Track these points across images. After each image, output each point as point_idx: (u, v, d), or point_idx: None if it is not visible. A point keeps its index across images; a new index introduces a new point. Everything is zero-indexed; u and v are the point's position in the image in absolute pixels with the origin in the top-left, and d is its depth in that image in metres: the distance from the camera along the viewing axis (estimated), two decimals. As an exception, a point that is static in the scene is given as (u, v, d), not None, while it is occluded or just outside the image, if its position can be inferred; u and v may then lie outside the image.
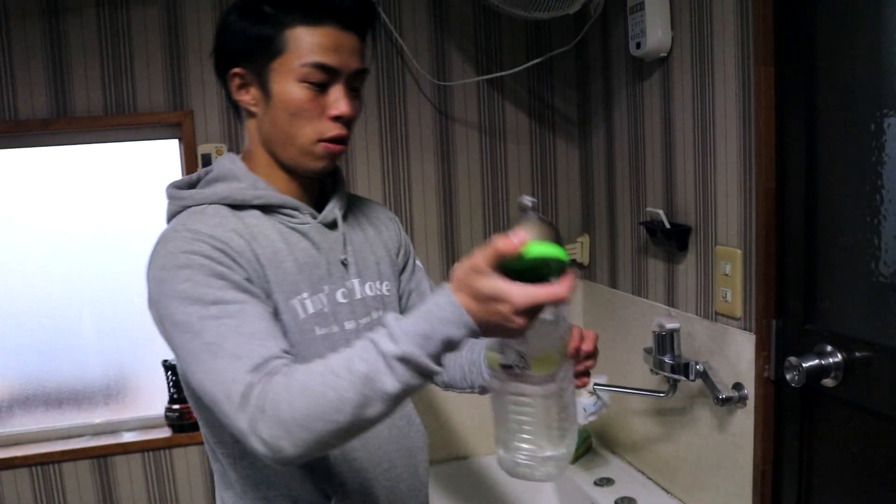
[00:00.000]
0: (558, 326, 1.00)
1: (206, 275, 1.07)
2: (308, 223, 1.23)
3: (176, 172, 2.18)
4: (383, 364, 0.93)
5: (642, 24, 1.84)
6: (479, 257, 0.91)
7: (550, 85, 2.37)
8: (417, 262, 1.45)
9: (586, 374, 1.15)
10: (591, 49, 2.27)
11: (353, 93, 1.21)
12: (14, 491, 2.20)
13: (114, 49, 2.09)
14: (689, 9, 1.75)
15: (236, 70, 1.21)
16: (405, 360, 0.92)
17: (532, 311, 0.90)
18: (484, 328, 0.92)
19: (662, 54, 1.86)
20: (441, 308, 0.92)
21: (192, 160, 2.11)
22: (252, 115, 1.23)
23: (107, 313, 2.28)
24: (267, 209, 1.21)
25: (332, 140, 1.19)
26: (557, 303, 0.92)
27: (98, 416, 2.32)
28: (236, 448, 1.22)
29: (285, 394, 0.95)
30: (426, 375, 0.94)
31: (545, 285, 0.90)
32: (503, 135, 2.35)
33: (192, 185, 1.27)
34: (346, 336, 1.22)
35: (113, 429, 2.32)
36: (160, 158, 2.23)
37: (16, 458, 2.19)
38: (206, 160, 2.08)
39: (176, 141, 2.21)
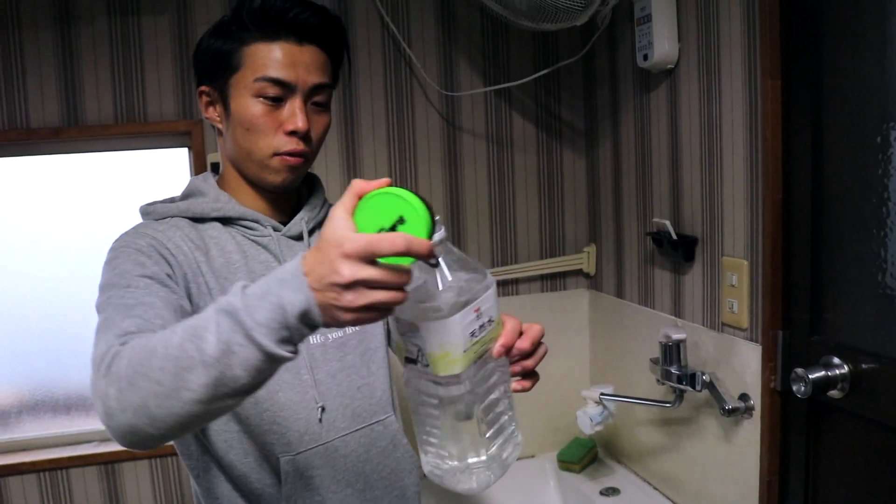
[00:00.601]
0: (463, 320, 0.87)
1: (130, 263, 1.09)
2: (268, 235, 1.23)
3: (185, 181, 2.19)
4: (213, 319, 0.82)
5: (649, 36, 1.85)
6: (338, 204, 0.81)
7: (557, 95, 2.38)
8: None
9: (527, 375, 1.02)
10: (598, 60, 2.28)
11: (316, 108, 1.21)
12: (22, 496, 2.21)
13: (125, 58, 2.11)
14: (696, 21, 1.77)
15: (203, 88, 1.24)
16: (230, 314, 0.81)
17: (365, 262, 0.76)
18: (316, 284, 0.79)
19: (669, 66, 1.87)
20: (285, 269, 0.82)
21: (202, 169, 2.12)
22: (220, 132, 1.25)
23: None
24: (226, 222, 1.23)
25: (288, 154, 1.18)
26: (404, 254, 0.76)
27: (105, 423, 2.33)
28: (200, 461, 1.23)
29: (129, 350, 0.89)
30: (255, 345, 0.80)
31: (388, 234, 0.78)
32: (510, 145, 2.37)
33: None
34: (310, 350, 1.21)
35: (120, 435, 2.32)
36: (170, 167, 2.25)
37: (24, 463, 2.20)
38: (216, 169, 2.10)
39: (185, 150, 2.23)
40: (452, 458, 0.94)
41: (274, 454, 1.20)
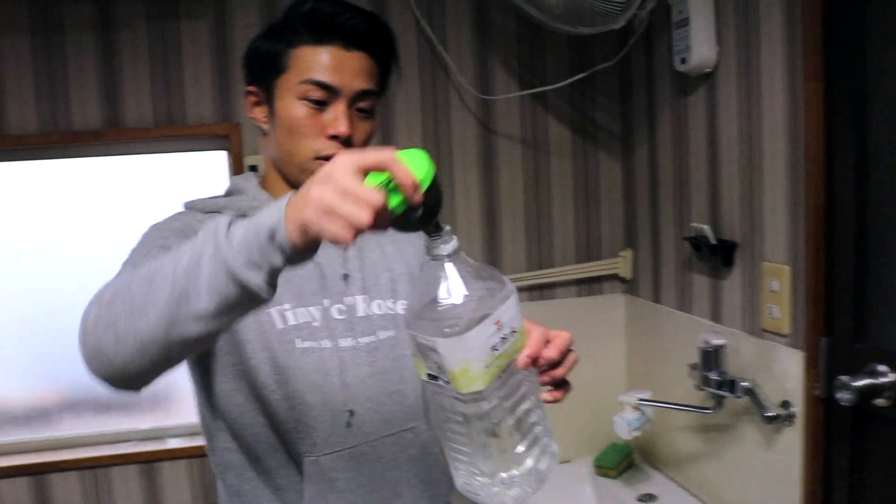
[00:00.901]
0: (482, 334, 0.83)
1: (155, 239, 1.13)
2: None
3: (223, 183, 2.22)
4: (198, 240, 0.85)
5: (687, 40, 1.84)
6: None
7: (593, 99, 2.37)
8: None
9: (558, 385, 0.98)
10: (635, 64, 2.27)
11: (361, 114, 1.21)
12: (63, 493, 2.25)
13: (164, 62, 2.14)
14: (736, 24, 1.75)
15: (250, 88, 1.25)
16: (212, 235, 0.83)
17: (352, 176, 0.76)
18: (294, 201, 0.79)
19: (708, 69, 1.85)
20: (274, 203, 0.83)
21: (240, 172, 2.14)
22: (264, 133, 1.26)
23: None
24: None
25: (328, 158, 1.17)
26: (385, 168, 0.77)
27: (145, 423, 2.36)
28: (224, 457, 1.24)
29: (119, 280, 0.92)
30: (220, 259, 0.81)
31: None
32: (546, 149, 2.36)
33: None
34: (339, 353, 1.20)
35: (159, 435, 2.36)
36: (208, 169, 2.27)
37: (65, 461, 2.23)
38: (254, 170, 2.11)
39: (224, 152, 2.25)
40: (484, 475, 0.90)
41: (299, 452, 1.20)
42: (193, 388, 1.27)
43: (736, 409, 1.83)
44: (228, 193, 1.30)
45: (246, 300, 0.83)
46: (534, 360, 0.91)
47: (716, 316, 1.93)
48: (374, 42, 1.20)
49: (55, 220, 2.24)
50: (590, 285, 2.44)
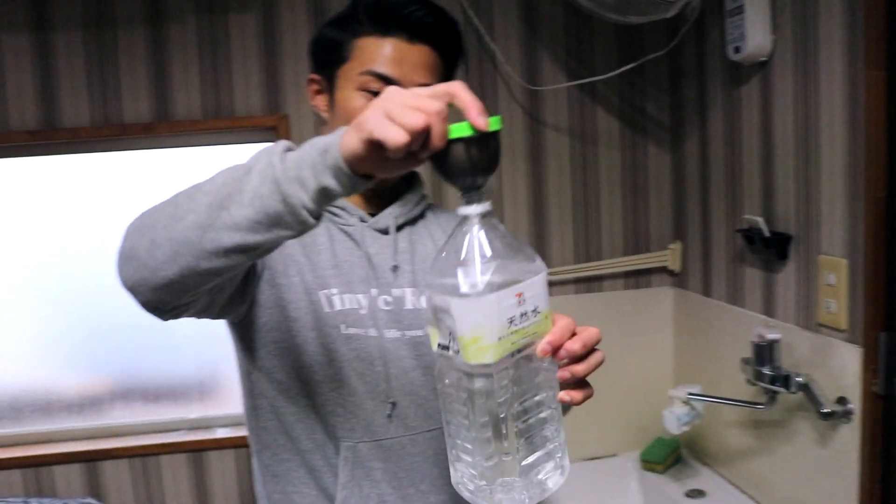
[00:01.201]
0: (500, 302, 0.78)
1: None
2: (353, 225, 1.23)
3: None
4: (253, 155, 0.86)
5: (741, 28, 1.80)
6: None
7: (642, 89, 2.34)
8: None
9: (577, 385, 0.89)
10: (685, 53, 2.23)
11: None
12: (114, 480, 2.29)
13: (212, 55, 2.15)
14: (792, 11, 1.71)
15: (313, 76, 1.25)
16: (264, 150, 0.84)
17: (413, 92, 0.78)
18: (354, 123, 0.79)
19: (762, 58, 1.81)
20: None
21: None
22: (325, 122, 1.26)
23: (202, 314, 2.34)
24: None
25: None
26: (455, 95, 0.78)
27: (193, 412, 2.39)
28: (261, 436, 1.25)
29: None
30: (269, 171, 0.81)
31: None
32: (594, 140, 2.33)
33: None
34: (384, 344, 1.20)
35: (207, 424, 2.39)
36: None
37: (117, 448, 2.28)
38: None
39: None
40: (482, 476, 0.84)
41: (337, 437, 1.20)
42: (237, 365, 1.28)
43: (789, 404, 1.79)
44: None
45: (287, 218, 0.82)
46: (554, 350, 0.85)
47: (769, 310, 1.89)
48: (439, 36, 1.19)
49: (104, 214, 2.28)
50: (637, 278, 2.41)
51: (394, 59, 1.15)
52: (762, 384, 1.77)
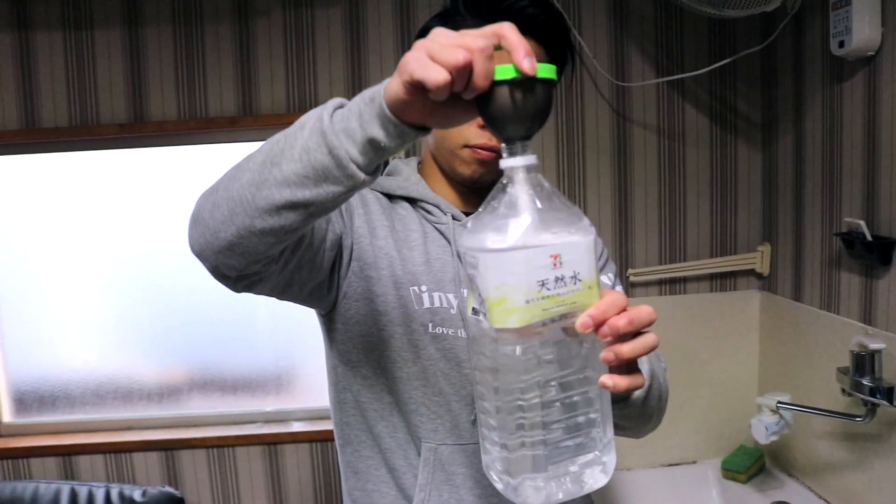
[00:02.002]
0: (530, 260, 0.72)
1: None
2: (446, 224, 1.20)
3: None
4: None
5: (847, 21, 1.72)
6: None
7: (733, 86, 2.26)
8: (604, 279, 1.28)
9: (623, 370, 0.80)
10: (781, 48, 2.14)
11: None
12: (192, 470, 2.32)
13: (297, 49, 2.15)
14: (905, 4, 1.62)
15: None
16: (318, 108, 0.83)
17: (457, 33, 0.74)
18: (400, 69, 0.75)
19: (870, 53, 1.72)
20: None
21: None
22: None
23: (280, 308, 2.34)
24: (412, 202, 1.23)
25: (479, 146, 1.13)
26: (502, 35, 0.74)
27: (269, 405, 2.41)
28: (344, 431, 1.25)
29: None
30: (319, 124, 0.80)
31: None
32: (682, 138, 2.27)
33: None
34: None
35: (283, 418, 2.40)
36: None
37: (195, 439, 2.31)
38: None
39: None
40: (506, 454, 0.76)
41: (419, 437, 1.18)
42: (325, 358, 1.28)
43: (889, 418, 1.71)
44: (388, 173, 1.29)
45: (334, 171, 0.80)
46: (597, 326, 0.76)
47: (868, 318, 1.81)
48: (543, 29, 1.13)
49: (190, 205, 2.30)
50: (724, 280, 2.34)
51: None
52: (861, 395, 1.69)
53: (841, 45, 1.75)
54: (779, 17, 2.04)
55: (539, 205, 0.74)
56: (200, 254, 0.92)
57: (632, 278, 2.26)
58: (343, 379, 1.23)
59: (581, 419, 0.78)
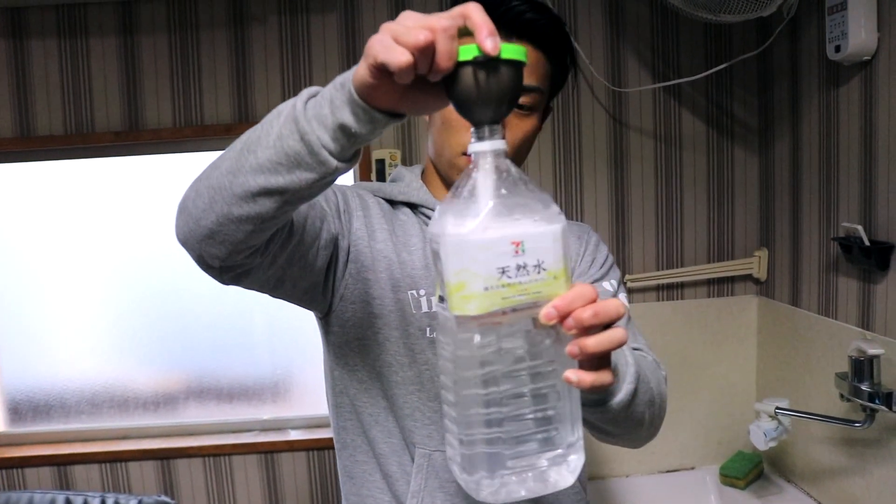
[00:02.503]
0: (489, 247, 0.70)
1: None
2: None
3: (348, 176, 2.21)
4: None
5: (843, 26, 1.71)
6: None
7: (730, 91, 2.26)
8: (605, 285, 1.24)
9: (589, 366, 0.77)
10: (777, 53, 2.14)
11: (519, 110, 1.13)
12: (189, 478, 2.31)
13: (293, 56, 2.15)
14: (901, 8, 1.62)
15: None
16: (300, 100, 0.83)
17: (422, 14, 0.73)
18: (365, 53, 0.74)
19: (866, 57, 1.72)
20: None
21: (366, 165, 2.13)
22: (426, 121, 1.24)
23: (277, 315, 2.35)
24: (413, 208, 1.23)
25: None
26: (465, 16, 0.72)
27: (266, 413, 2.40)
28: (340, 436, 1.24)
29: None
30: (291, 107, 0.81)
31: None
32: (679, 143, 2.26)
33: None
34: None
35: (280, 426, 2.39)
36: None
37: (191, 447, 2.29)
38: (380, 165, 2.10)
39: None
40: (463, 449, 0.74)
41: (413, 442, 1.17)
42: (323, 362, 1.27)
43: (888, 423, 1.70)
44: (391, 179, 1.29)
45: (306, 158, 0.81)
46: (562, 317, 0.73)
47: (866, 323, 1.80)
48: (541, 33, 1.12)
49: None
50: (721, 286, 2.33)
51: None
52: (859, 401, 1.68)
53: (837, 49, 1.75)
54: (775, 21, 2.04)
55: (503, 191, 0.72)
56: (185, 242, 0.93)
57: (629, 284, 2.26)
58: (340, 382, 1.22)
59: (546, 414, 0.75)
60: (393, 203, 1.24)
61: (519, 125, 1.14)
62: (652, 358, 1.12)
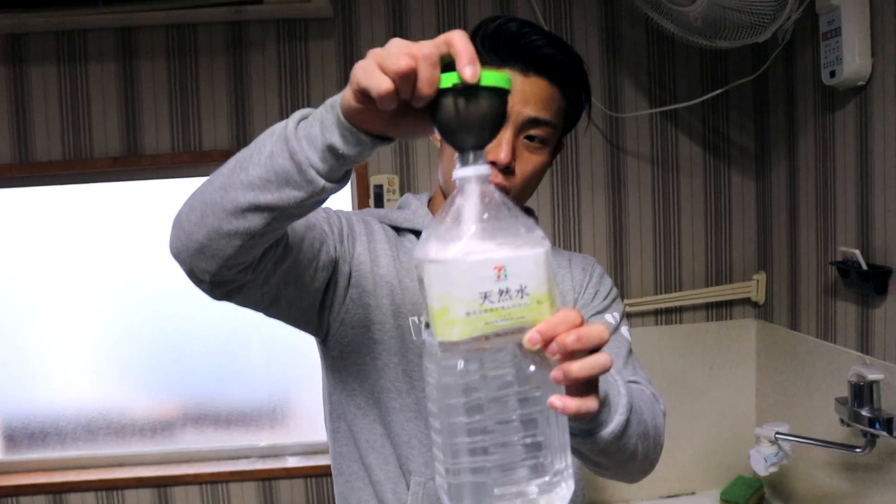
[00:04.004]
0: (471, 272, 0.70)
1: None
2: None
3: (346, 202, 2.22)
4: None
5: (838, 52, 1.73)
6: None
7: (726, 116, 2.27)
8: (608, 318, 1.23)
9: (575, 391, 0.76)
10: (773, 78, 2.15)
11: (530, 142, 1.14)
12: (185, 507, 2.29)
13: (291, 81, 2.17)
14: (895, 33, 1.63)
15: None
16: (291, 120, 0.84)
17: (406, 41, 0.74)
18: (350, 78, 0.76)
19: (860, 82, 1.73)
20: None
21: (364, 190, 2.14)
22: (438, 149, 1.24)
23: (275, 341, 2.34)
24: (418, 234, 1.23)
25: None
26: (448, 44, 0.73)
27: (263, 439, 2.38)
28: (337, 461, 1.24)
29: None
30: (283, 127, 0.83)
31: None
32: (676, 167, 2.27)
33: None
34: None
35: (277, 452, 2.37)
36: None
37: (187, 475, 2.28)
38: (378, 190, 2.11)
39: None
40: (449, 478, 0.73)
41: (409, 470, 1.17)
42: (322, 387, 1.27)
43: (889, 448, 1.69)
44: (398, 206, 1.30)
45: (295, 176, 0.83)
46: (545, 342, 0.72)
47: (865, 347, 1.80)
48: (557, 68, 1.13)
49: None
50: (720, 309, 2.33)
51: None
52: (860, 426, 1.67)
53: (832, 74, 1.76)
54: (770, 47, 2.05)
55: (486, 216, 0.72)
56: (177, 255, 0.94)
57: (628, 308, 2.25)
58: (338, 407, 1.22)
59: (533, 440, 0.74)
60: (398, 230, 1.24)
61: (530, 158, 1.14)
62: (650, 392, 1.11)
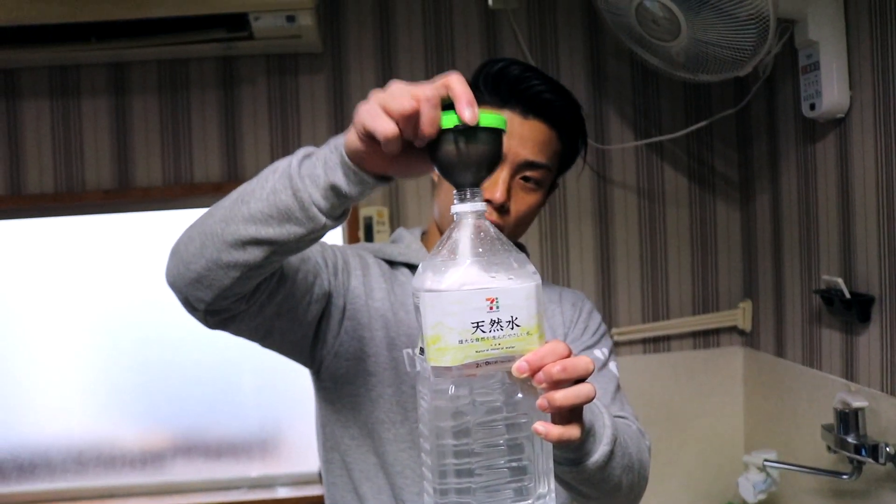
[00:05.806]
0: (464, 302, 0.74)
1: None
2: None
3: (337, 233, 2.23)
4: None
5: (817, 85, 1.77)
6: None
7: (710, 147, 2.31)
8: (597, 353, 1.26)
9: (559, 419, 0.79)
10: (755, 110, 2.20)
11: (525, 183, 1.17)
12: (175, 541, 2.27)
13: (282, 115, 2.19)
14: (871, 67, 1.67)
15: None
16: (295, 158, 0.88)
17: (408, 84, 0.78)
18: (354, 120, 0.81)
19: (839, 115, 1.77)
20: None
21: (354, 222, 2.16)
22: (435, 185, 1.26)
23: (266, 370, 2.34)
24: (412, 268, 1.25)
25: None
26: (447, 87, 0.77)
27: (254, 470, 2.37)
28: (331, 491, 1.25)
29: None
30: (287, 164, 0.87)
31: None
32: (662, 198, 2.30)
33: None
34: None
35: (268, 483, 2.36)
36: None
37: (178, 507, 2.27)
38: (368, 223, 2.13)
39: (337, 203, 2.27)
40: (436, 498, 0.77)
41: (402, 500, 1.17)
42: (315, 418, 1.28)
43: (876, 475, 1.71)
44: (392, 241, 1.32)
45: (296, 213, 0.85)
46: (533, 371, 0.76)
47: (850, 374, 1.82)
48: (556, 113, 1.17)
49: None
50: (707, 337, 2.35)
51: None
52: (846, 453, 1.69)
53: (812, 107, 1.80)
54: (751, 81, 2.10)
55: (481, 249, 0.77)
56: (173, 284, 0.96)
57: (616, 338, 2.27)
58: (331, 438, 1.23)
59: (518, 464, 0.78)
60: (392, 264, 1.26)
61: (524, 199, 1.18)
62: (637, 427, 1.13)
